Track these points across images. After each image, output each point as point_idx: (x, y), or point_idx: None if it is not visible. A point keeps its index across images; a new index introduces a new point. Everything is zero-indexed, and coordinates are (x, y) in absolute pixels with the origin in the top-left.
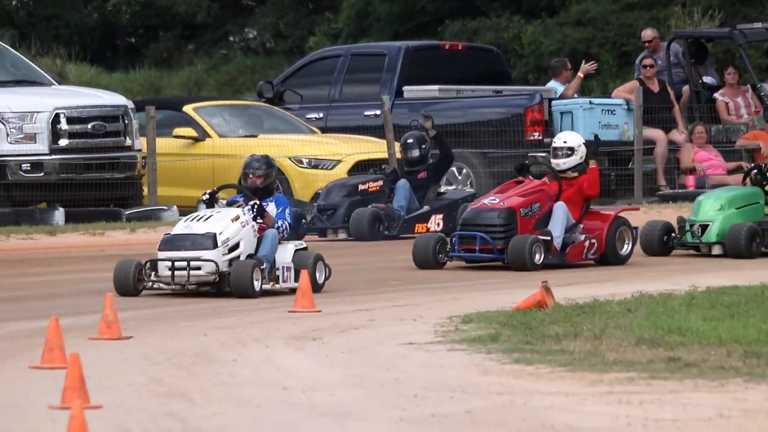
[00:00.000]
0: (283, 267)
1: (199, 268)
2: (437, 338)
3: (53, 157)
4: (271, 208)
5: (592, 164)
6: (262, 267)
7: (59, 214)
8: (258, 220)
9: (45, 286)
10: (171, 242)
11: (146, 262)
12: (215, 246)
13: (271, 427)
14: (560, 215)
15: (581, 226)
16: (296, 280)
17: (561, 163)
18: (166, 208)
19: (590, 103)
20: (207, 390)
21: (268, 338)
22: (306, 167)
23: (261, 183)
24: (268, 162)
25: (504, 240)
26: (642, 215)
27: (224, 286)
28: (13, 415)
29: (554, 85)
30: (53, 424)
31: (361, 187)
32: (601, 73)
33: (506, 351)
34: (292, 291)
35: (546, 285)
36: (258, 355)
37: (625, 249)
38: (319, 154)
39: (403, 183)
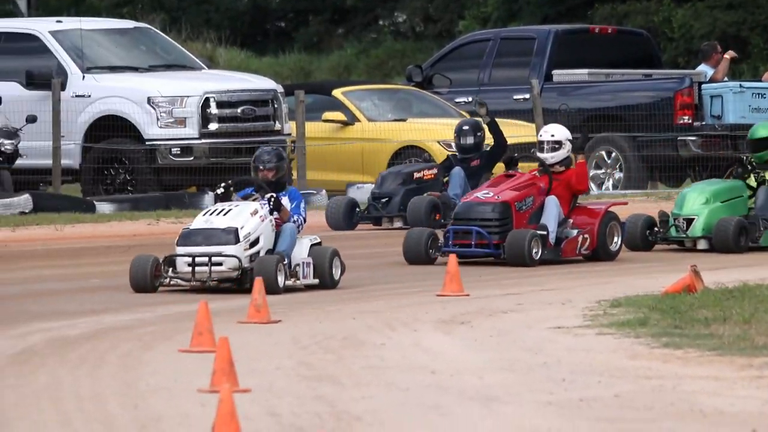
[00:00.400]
0: (303, 263)
1: (220, 264)
2: (585, 322)
3: (203, 141)
4: (284, 202)
5: (581, 159)
6: (284, 263)
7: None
8: (273, 215)
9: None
10: (191, 237)
11: (163, 258)
12: (237, 241)
13: (419, 411)
14: (553, 210)
15: (571, 221)
16: (315, 275)
17: (549, 157)
18: (314, 192)
19: (740, 86)
20: (355, 373)
21: (417, 322)
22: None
23: (272, 177)
24: (279, 155)
25: (500, 235)
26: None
27: (246, 282)
28: (162, 398)
29: (704, 69)
30: (202, 407)
31: (416, 175)
32: (751, 56)
33: (655, 335)
34: (309, 287)
35: (695, 269)
36: (406, 339)
37: (615, 244)
38: None
39: (458, 171)
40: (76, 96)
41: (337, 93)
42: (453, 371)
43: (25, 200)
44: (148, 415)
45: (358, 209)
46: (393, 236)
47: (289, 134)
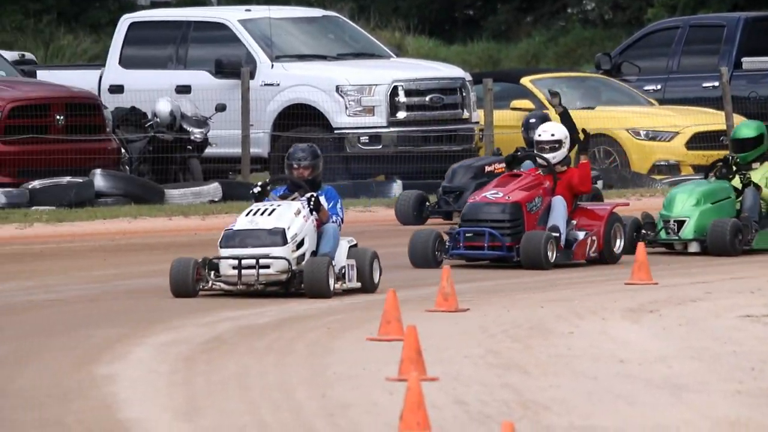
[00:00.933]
0: (348, 265)
1: (268, 267)
2: None
3: (391, 129)
4: (321, 201)
5: (584, 159)
6: (333, 264)
7: (397, 187)
8: (313, 215)
9: (383, 259)
10: (235, 238)
11: (204, 261)
12: (285, 242)
13: (607, 399)
14: (561, 210)
15: (574, 222)
16: (358, 279)
17: (550, 157)
18: None
19: None
20: (543, 362)
21: (605, 310)
22: (643, 139)
23: (309, 175)
24: (314, 152)
25: (512, 237)
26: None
27: (294, 286)
28: (350, 386)
29: None
30: (390, 395)
31: (487, 168)
32: None
33: None
34: (351, 291)
35: None
36: (594, 327)
37: (618, 246)
38: (657, 126)
39: (528, 165)
40: (265, 85)
41: (525, 81)
42: (641, 360)
43: (214, 189)
44: (336, 403)
45: (428, 203)
46: None
47: (477, 122)
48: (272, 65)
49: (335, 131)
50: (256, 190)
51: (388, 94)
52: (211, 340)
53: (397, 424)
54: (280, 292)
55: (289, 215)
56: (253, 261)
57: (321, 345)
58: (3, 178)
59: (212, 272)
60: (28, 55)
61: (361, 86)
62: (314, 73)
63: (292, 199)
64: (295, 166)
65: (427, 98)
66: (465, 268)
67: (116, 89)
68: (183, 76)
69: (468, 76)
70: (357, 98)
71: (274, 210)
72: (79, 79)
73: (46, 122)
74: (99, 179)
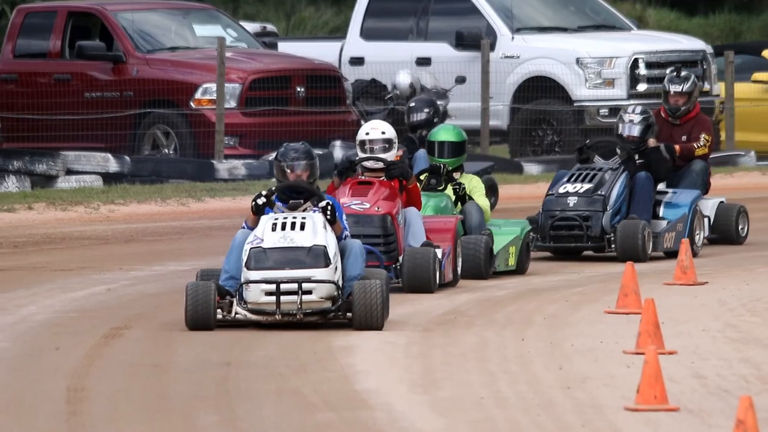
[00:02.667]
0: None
1: (310, 292)
2: None
3: (631, 102)
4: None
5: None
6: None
7: None
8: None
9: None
10: (270, 259)
11: (222, 288)
12: (327, 263)
13: None
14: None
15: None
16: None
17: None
18: (743, 153)
19: None
20: None
21: None
22: None
23: (307, 178)
24: (308, 151)
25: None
26: None
27: (340, 313)
28: (587, 359)
29: None
30: (627, 368)
31: None
32: None
33: None
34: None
35: None
36: None
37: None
38: None
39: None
40: (505, 57)
41: (766, 53)
42: None
43: None
44: (573, 376)
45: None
46: None
47: (718, 95)
48: (512, 37)
49: (575, 104)
50: (261, 200)
51: (629, 66)
52: (450, 312)
53: (634, 397)
54: (318, 323)
55: (321, 230)
56: (294, 286)
57: (559, 318)
58: (243, 149)
59: (236, 300)
60: (270, 27)
61: (602, 59)
62: (554, 45)
63: (303, 210)
64: (288, 169)
65: (668, 71)
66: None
67: (356, 61)
68: (423, 48)
69: (709, 49)
70: (597, 71)
71: (304, 223)
72: (319, 51)
73: (287, 94)
74: (338, 151)
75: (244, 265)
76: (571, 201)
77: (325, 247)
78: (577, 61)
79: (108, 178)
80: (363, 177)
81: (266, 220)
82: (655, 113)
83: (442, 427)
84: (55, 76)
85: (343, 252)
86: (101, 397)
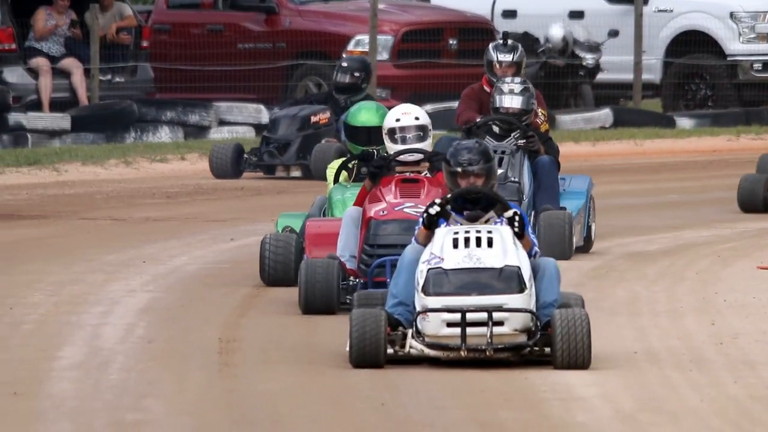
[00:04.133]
0: None
1: (501, 323)
2: None
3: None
4: None
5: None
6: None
7: None
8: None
9: None
10: (453, 281)
11: (392, 317)
12: (522, 287)
13: None
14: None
15: None
16: None
17: None
18: None
19: None
20: None
21: None
22: None
23: (483, 184)
24: (485, 152)
25: None
26: None
27: (536, 348)
28: (740, 315)
29: None
30: None
31: (312, 119)
32: None
33: None
34: None
35: None
36: None
37: None
38: None
39: None
40: (659, 11)
41: None
42: None
43: (605, 115)
44: (725, 331)
45: (246, 155)
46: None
47: None
48: None
49: (728, 58)
50: (433, 210)
51: None
52: (601, 266)
53: None
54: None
55: (511, 246)
56: (483, 315)
57: (711, 273)
58: (395, 102)
59: (409, 332)
60: None
61: (756, 12)
62: None
63: (486, 222)
64: (464, 171)
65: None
66: None
67: (509, 14)
68: (577, 1)
69: None
70: (751, 25)
71: (490, 237)
72: (472, 4)
73: (439, 47)
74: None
75: (420, 289)
76: None
77: (519, 268)
78: (731, 15)
79: (260, 129)
80: (408, 174)
81: (444, 234)
82: (475, 88)
83: (592, 382)
84: (208, 27)
85: (534, 272)
86: (252, 349)
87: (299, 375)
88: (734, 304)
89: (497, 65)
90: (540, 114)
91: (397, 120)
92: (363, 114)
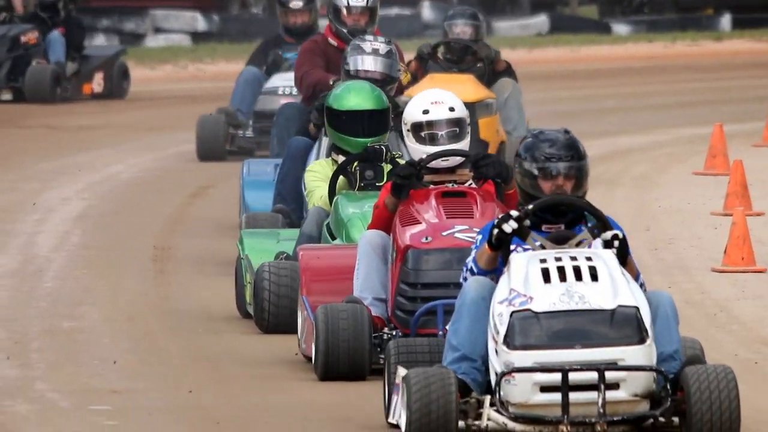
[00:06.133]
0: None
1: (617, 386)
2: None
3: None
4: None
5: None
6: None
7: (725, 20)
8: None
9: (709, 93)
10: (550, 327)
11: (456, 378)
12: (642, 336)
13: None
14: None
15: None
16: None
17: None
18: None
19: None
20: None
21: None
22: None
23: (573, 189)
24: (571, 143)
25: None
26: None
27: (658, 423)
28: (675, 220)
29: None
30: (714, 230)
31: (22, 39)
32: None
33: None
34: None
35: None
36: None
37: None
38: None
39: (57, 35)
40: None
41: None
42: None
43: (541, 21)
44: (661, 236)
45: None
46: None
47: None
48: None
49: None
50: (508, 228)
51: None
52: None
53: (721, 259)
54: None
55: (621, 278)
56: (592, 376)
57: (648, 179)
58: None
59: (472, 395)
60: None
61: None
62: None
63: (578, 244)
64: (547, 171)
65: None
66: None
67: None
68: None
69: None
70: None
71: (595, 267)
72: None
73: None
74: None
75: (501, 340)
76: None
77: (637, 309)
78: None
79: (196, 37)
80: (451, 185)
81: (527, 262)
82: (319, 41)
83: None
84: None
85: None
86: (187, 257)
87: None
88: (669, 209)
89: (345, 11)
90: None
91: (425, 112)
92: (353, 96)
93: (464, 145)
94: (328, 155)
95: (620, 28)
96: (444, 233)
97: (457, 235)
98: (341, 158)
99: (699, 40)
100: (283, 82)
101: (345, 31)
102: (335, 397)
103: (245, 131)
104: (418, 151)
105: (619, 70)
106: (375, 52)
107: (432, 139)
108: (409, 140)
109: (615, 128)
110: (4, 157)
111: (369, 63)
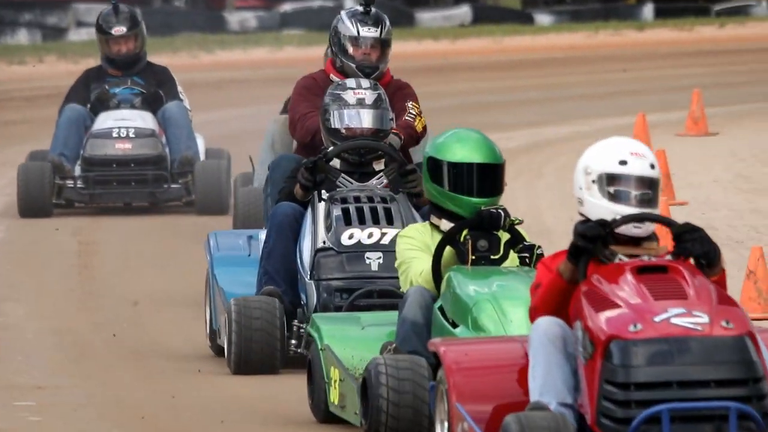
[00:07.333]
0: None
1: None
2: None
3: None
4: None
5: None
6: None
7: (648, 10)
8: None
9: (632, 83)
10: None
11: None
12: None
13: None
14: None
15: None
16: None
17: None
18: (754, 3)
19: None
20: None
21: None
22: None
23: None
24: None
25: None
26: None
27: None
28: None
29: None
30: None
31: None
32: None
33: None
34: None
35: None
36: None
37: None
38: None
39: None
40: None
41: None
42: None
43: (464, 12)
44: None
45: None
46: None
47: None
48: None
49: None
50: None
51: None
52: None
53: None
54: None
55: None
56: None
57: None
58: (254, 1)
59: None
60: None
61: None
62: None
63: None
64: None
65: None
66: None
67: None
68: None
69: None
70: None
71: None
72: None
73: None
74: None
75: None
76: (374, 263)
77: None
78: None
79: None
80: (647, 258)
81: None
82: (317, 77)
83: None
84: None
85: None
86: (111, 252)
87: (161, 278)
88: None
89: (352, 44)
90: (411, 106)
91: (623, 163)
92: (463, 146)
93: (657, 210)
94: (328, 227)
95: (543, 19)
96: (656, 319)
97: (673, 320)
98: (445, 223)
99: (621, 30)
100: (117, 122)
101: (353, 66)
102: (259, 390)
103: (76, 182)
104: (605, 209)
105: (542, 61)
106: (360, 103)
107: (623, 198)
108: (591, 194)
109: (538, 119)
110: None
111: (355, 119)
